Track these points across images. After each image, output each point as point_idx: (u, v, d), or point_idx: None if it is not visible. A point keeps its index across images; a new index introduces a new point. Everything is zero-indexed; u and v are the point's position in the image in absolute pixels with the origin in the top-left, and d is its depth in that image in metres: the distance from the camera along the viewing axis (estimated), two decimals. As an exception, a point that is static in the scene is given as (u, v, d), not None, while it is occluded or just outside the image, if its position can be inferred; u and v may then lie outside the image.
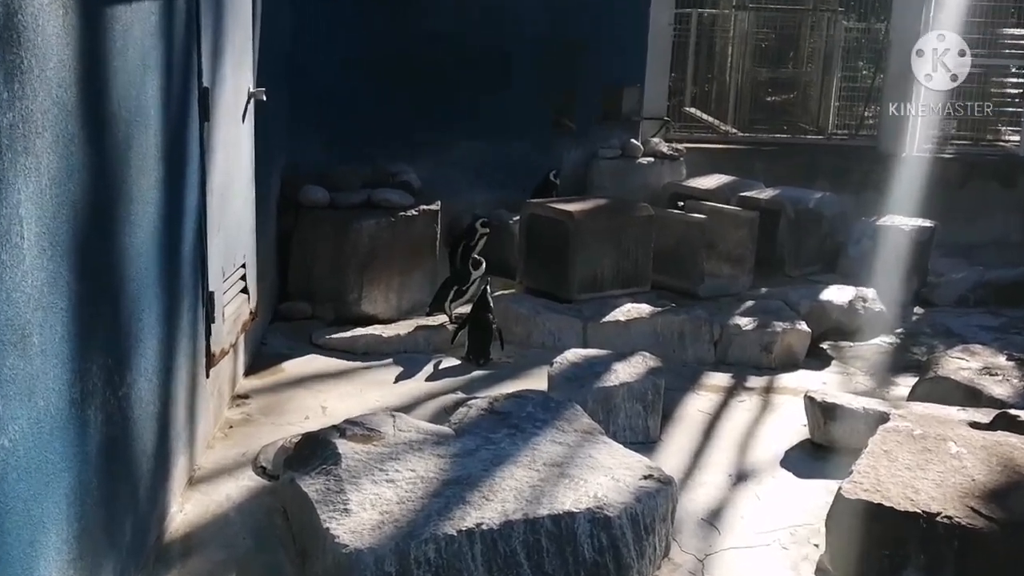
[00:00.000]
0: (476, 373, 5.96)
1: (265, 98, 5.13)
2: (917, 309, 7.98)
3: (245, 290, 5.00)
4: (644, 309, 6.68)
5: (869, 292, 7.18)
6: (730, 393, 5.84)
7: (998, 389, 5.19)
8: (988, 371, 5.44)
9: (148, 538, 3.53)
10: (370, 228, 6.67)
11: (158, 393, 3.61)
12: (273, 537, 3.78)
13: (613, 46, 9.36)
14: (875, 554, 3.57)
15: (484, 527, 3.31)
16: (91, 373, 2.84)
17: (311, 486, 3.59)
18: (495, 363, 6.12)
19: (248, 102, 4.96)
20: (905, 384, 6.05)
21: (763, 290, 7.46)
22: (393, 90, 8.41)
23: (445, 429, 4.15)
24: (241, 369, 5.48)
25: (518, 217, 7.63)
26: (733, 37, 11.97)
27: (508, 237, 7.88)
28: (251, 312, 5.11)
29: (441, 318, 6.66)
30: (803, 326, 6.58)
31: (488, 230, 7.47)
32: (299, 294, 6.78)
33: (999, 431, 4.20)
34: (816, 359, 6.66)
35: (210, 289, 4.30)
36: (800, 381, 6.12)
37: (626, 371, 5.19)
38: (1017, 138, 10.82)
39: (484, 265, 6.90)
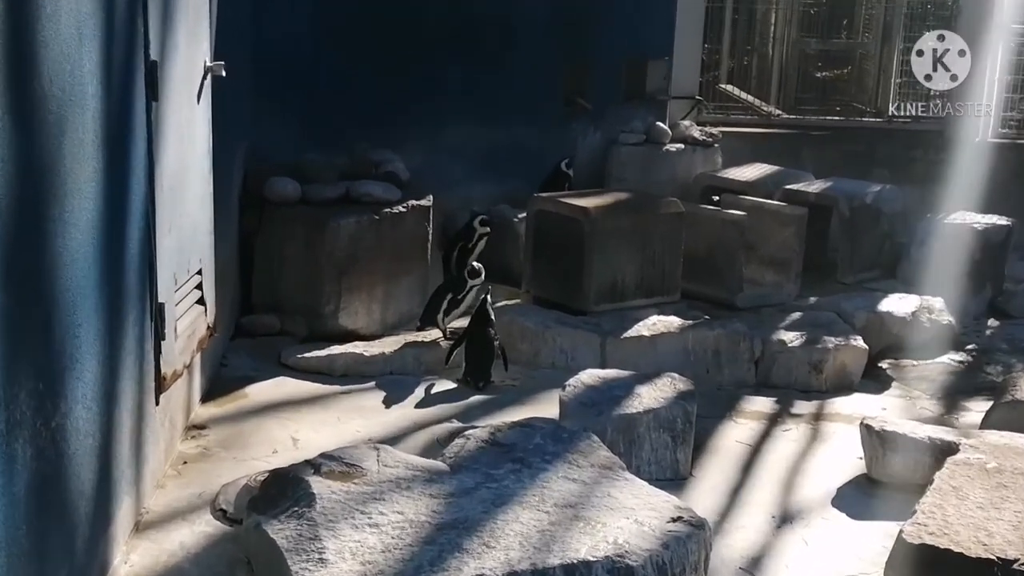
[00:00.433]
0: (475, 398, 5.96)
1: (224, 73, 5.12)
2: (991, 321, 7.98)
3: (201, 301, 4.98)
4: (673, 322, 6.67)
5: (936, 302, 7.16)
6: (773, 421, 5.84)
7: (1089, 416, 5.17)
8: (1077, 394, 5.43)
9: (86, 594, 3.51)
10: (349, 227, 6.66)
11: (98, 423, 3.59)
12: (235, 593, 3.77)
13: (637, 12, 9.38)
14: (943, 608, 3.56)
15: (484, 580, 3.28)
16: (18, 400, 2.82)
17: (280, 532, 3.57)
18: (497, 386, 6.12)
19: (204, 78, 4.95)
20: (977, 409, 6.04)
21: (812, 300, 7.47)
22: (377, 64, 8.40)
23: (438, 464, 4.14)
24: (197, 394, 5.46)
25: (524, 214, 7.62)
26: (777, 2, 11.98)
27: (512, 238, 7.87)
28: (209, 327, 5.10)
29: (434, 333, 6.65)
30: (859, 342, 6.57)
31: (488, 229, 7.48)
32: (265, 306, 6.77)
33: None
34: (874, 380, 6.66)
35: (160, 300, 4.28)
36: (855, 406, 6.12)
37: (651, 395, 5.18)
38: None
39: (484, 271, 6.88)
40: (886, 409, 6.11)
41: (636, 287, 7.03)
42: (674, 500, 3.92)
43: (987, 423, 5.51)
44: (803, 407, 6.07)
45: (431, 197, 7.16)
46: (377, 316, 6.82)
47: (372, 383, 6.09)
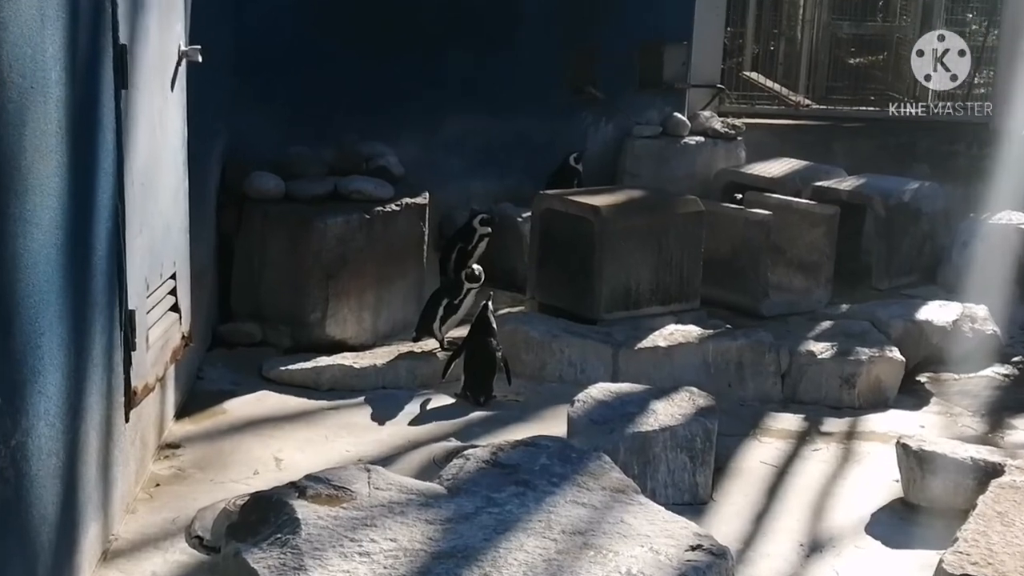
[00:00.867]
0: (475, 415, 5.96)
1: (201, 59, 5.13)
2: (1041, 331, 7.97)
3: (175, 307, 4.99)
4: (691, 332, 6.67)
5: (979, 310, 7.15)
6: (801, 440, 5.84)
7: None
8: None
9: (49, 629, 3.51)
10: (337, 227, 6.66)
11: (62, 442, 3.58)
12: (211, 627, 3.77)
13: (652, -8, 9.40)
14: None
15: (484, 615, 3.28)
16: (-26, 415, 2.82)
17: (261, 561, 3.57)
18: (499, 401, 6.12)
19: (178, 64, 4.96)
20: (1025, 428, 6.04)
21: (844, 307, 7.46)
22: (368, 49, 8.41)
23: (435, 487, 4.13)
24: (171, 410, 5.47)
25: (528, 213, 7.62)
26: (805, -18, 12.01)
27: (515, 239, 7.88)
28: (183, 336, 5.10)
29: (430, 344, 6.65)
30: (895, 353, 6.56)
31: (489, 230, 7.47)
32: (245, 313, 6.78)
33: None
34: (911, 396, 6.66)
35: (130, 306, 4.29)
36: (891, 424, 6.12)
37: (668, 412, 5.18)
38: None
39: (484, 275, 6.88)
40: (924, 427, 6.10)
41: (651, 293, 7.03)
42: (693, 527, 3.91)
43: (1035, 442, 5.52)
44: (834, 425, 6.06)
45: (427, 194, 7.16)
46: (368, 325, 6.83)
47: (362, 398, 6.09)
